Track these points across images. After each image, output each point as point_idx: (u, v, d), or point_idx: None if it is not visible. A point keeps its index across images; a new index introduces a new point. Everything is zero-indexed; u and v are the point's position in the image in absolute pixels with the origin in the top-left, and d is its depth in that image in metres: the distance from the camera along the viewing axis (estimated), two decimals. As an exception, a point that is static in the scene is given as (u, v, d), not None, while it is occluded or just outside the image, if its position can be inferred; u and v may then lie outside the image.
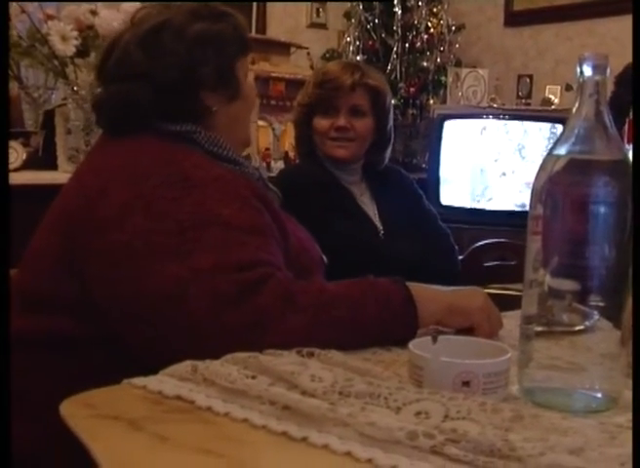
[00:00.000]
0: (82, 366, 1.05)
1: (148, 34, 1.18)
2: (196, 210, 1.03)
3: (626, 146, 1.00)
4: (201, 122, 1.20)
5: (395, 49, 4.40)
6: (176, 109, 1.18)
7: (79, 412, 0.77)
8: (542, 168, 0.82)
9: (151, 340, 0.99)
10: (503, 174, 3.83)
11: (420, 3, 4.41)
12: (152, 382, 0.82)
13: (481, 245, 2.34)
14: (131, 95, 1.16)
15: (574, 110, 0.82)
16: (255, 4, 4.44)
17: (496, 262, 2.29)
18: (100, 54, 1.25)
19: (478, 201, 3.88)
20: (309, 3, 4.73)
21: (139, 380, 0.83)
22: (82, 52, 2.47)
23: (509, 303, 1.08)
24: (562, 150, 0.81)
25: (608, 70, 0.81)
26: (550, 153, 0.82)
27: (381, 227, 1.94)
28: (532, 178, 0.83)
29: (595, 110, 0.81)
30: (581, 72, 0.81)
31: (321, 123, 1.94)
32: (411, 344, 0.85)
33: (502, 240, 2.40)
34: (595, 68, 0.81)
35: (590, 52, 0.83)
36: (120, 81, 1.18)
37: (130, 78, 1.17)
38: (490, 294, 1.13)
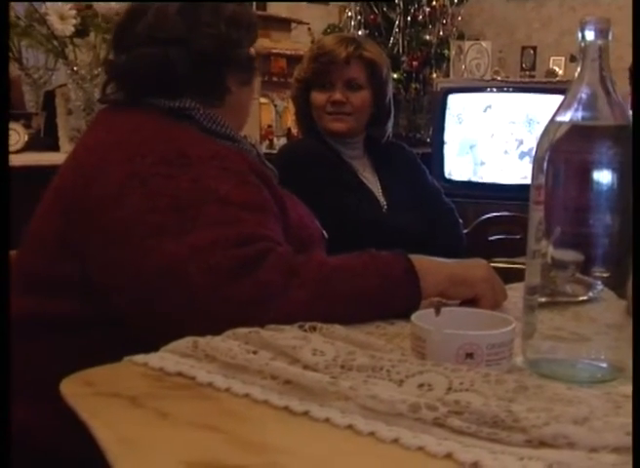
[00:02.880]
0: (84, 345, 1.04)
1: (186, 4, 1.19)
2: (193, 187, 1.02)
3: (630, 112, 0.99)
4: (215, 101, 1.20)
5: (397, 22, 4.37)
6: (201, 83, 1.18)
7: (79, 391, 0.76)
8: (544, 135, 0.80)
9: (152, 319, 0.98)
10: (508, 147, 3.81)
11: (421, -25, 4.38)
12: (153, 359, 0.82)
13: (486, 218, 2.34)
14: (168, 58, 1.15)
15: (576, 75, 0.80)
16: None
17: (501, 236, 2.28)
18: (123, 17, 1.23)
19: (482, 175, 3.86)
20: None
21: (139, 357, 0.83)
22: (81, 31, 2.45)
23: (515, 277, 1.07)
24: (564, 117, 0.79)
25: (610, 35, 0.80)
26: (552, 120, 0.80)
27: (385, 202, 1.93)
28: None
29: (598, 75, 0.79)
30: (583, 37, 0.79)
31: (317, 97, 1.93)
32: (413, 316, 0.84)
33: (507, 213, 2.39)
34: (597, 32, 0.79)
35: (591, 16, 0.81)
36: (155, 44, 1.16)
37: (166, 41, 1.16)
38: (495, 268, 1.12)
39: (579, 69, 0.80)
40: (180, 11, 1.18)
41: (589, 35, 0.79)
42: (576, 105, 0.79)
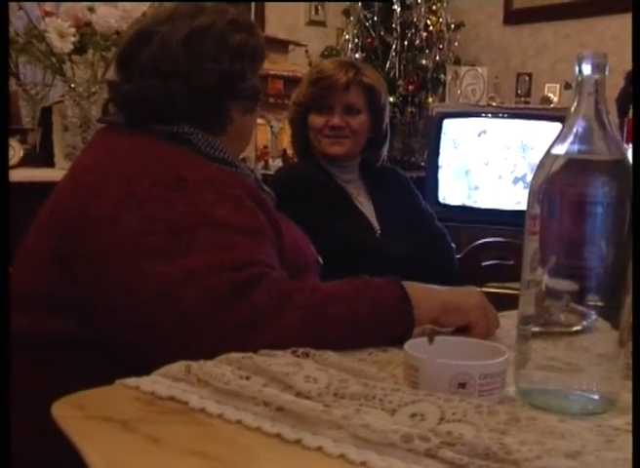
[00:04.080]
0: (76, 365, 1.04)
1: (192, 35, 1.17)
2: (189, 210, 1.02)
3: (625, 146, 0.99)
4: (217, 129, 1.20)
5: (394, 46, 4.39)
6: (202, 114, 1.18)
7: (71, 414, 0.76)
8: (540, 167, 0.81)
9: (145, 341, 0.98)
10: (502, 172, 3.82)
11: (419, 1, 4.41)
12: (145, 383, 0.81)
13: (479, 244, 2.34)
14: (168, 91, 1.15)
15: (572, 109, 0.81)
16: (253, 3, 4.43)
17: (494, 261, 2.28)
18: (128, 42, 1.22)
19: (476, 200, 3.87)
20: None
21: (131, 381, 0.82)
22: (79, 49, 2.46)
23: (507, 302, 1.07)
24: (560, 150, 0.80)
25: (607, 69, 0.80)
26: (548, 153, 0.81)
27: (378, 226, 1.93)
28: (531, 177, 0.82)
29: (594, 109, 0.80)
30: (580, 71, 0.80)
31: (316, 121, 1.93)
32: (406, 345, 0.84)
33: (500, 239, 2.40)
34: (594, 67, 0.80)
35: (589, 50, 0.82)
36: (156, 76, 1.16)
37: (168, 75, 1.16)
38: (488, 294, 1.12)
39: (575, 103, 0.81)
40: (184, 42, 1.17)
41: (586, 69, 0.80)
42: (572, 138, 0.80)
